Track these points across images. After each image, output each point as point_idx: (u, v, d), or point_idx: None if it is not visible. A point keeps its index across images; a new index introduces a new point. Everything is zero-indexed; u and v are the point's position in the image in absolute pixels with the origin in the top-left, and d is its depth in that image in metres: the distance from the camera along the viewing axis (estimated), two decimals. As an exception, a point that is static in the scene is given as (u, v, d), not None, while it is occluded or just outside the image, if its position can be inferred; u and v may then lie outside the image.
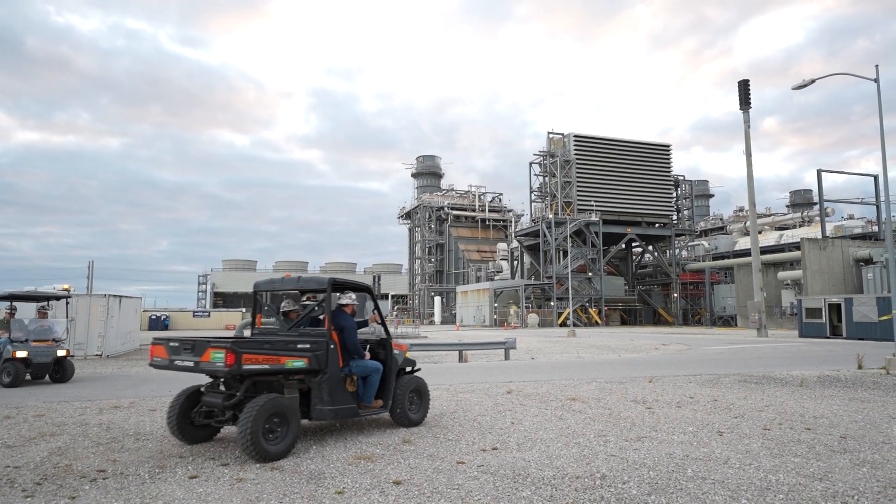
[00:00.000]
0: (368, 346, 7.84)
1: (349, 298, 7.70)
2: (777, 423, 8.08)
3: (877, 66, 17.29)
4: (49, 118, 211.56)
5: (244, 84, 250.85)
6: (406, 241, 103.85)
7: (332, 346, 6.97)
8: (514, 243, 73.09)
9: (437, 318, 76.61)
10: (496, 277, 74.12)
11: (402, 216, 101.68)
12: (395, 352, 7.89)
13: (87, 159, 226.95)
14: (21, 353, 12.21)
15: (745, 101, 39.49)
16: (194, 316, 66.58)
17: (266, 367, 6.42)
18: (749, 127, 39.33)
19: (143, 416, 8.67)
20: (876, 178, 50.99)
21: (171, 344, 6.62)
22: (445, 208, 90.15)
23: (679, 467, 5.81)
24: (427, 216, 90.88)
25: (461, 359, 19.10)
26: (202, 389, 7.03)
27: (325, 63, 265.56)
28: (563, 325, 54.91)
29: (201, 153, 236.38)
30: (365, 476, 5.54)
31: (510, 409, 9.20)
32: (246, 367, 6.22)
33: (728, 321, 60.26)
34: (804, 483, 5.29)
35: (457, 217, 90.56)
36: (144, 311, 58.98)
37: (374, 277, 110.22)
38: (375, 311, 8.10)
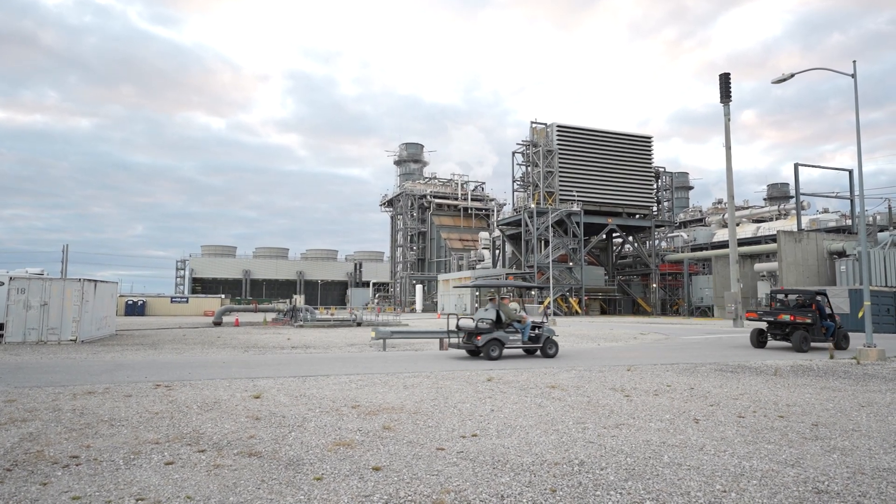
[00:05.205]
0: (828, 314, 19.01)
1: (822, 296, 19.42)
2: (751, 411, 8.24)
3: (854, 61, 17.49)
4: (14, 96, 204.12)
5: (219, 65, 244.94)
6: (388, 228, 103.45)
7: (816, 315, 18.32)
8: (496, 232, 73.17)
9: (419, 306, 76.62)
10: (478, 266, 74.25)
11: (384, 203, 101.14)
12: (835, 318, 19.21)
13: (56, 140, 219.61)
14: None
15: (725, 95, 39.80)
16: (172, 301, 65.64)
17: (799, 321, 18.42)
18: (729, 120, 39.70)
19: (119, 402, 8.53)
20: (851, 172, 51.98)
21: (759, 311, 20.14)
22: (428, 196, 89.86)
23: (656, 454, 5.89)
24: (409, 204, 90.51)
25: (442, 346, 19.12)
26: (763, 329, 19.66)
27: (302, 46, 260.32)
28: (544, 314, 55.23)
29: (176, 136, 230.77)
30: (344, 462, 5.52)
31: (490, 397, 9.24)
32: (794, 321, 18.51)
33: (705, 311, 61.17)
34: (777, 469, 5.39)
35: (439, 205, 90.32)
36: (121, 296, 58.08)
37: (356, 265, 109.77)
38: (827, 304, 19.27)
